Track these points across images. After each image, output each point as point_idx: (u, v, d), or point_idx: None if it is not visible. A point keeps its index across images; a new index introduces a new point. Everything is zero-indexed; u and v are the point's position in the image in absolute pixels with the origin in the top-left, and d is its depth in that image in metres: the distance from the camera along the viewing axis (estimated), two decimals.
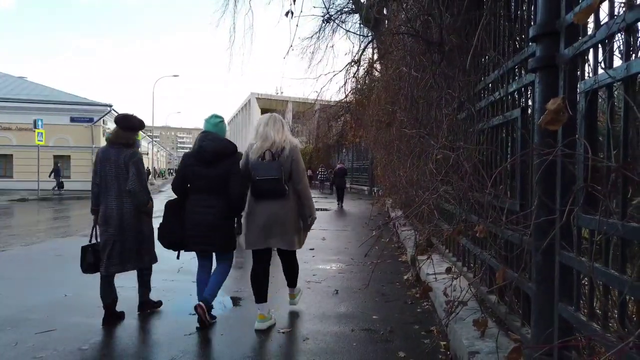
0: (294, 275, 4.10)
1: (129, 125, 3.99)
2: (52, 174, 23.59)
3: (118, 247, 3.83)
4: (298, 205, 3.74)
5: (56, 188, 23.62)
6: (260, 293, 3.72)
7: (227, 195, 3.64)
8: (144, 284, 4.12)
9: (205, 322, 3.59)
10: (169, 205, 3.86)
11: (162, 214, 3.86)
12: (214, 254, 3.94)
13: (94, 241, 3.97)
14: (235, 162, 3.72)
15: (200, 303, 3.58)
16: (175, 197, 3.87)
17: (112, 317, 3.79)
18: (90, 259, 3.94)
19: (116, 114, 3.98)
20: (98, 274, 3.88)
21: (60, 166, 24.16)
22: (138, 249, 3.94)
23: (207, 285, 3.75)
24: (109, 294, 3.82)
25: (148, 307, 4.11)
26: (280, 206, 3.62)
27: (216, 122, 3.91)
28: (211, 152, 3.65)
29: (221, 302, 4.37)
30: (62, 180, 24.02)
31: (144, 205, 3.94)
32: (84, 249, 3.99)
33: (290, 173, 3.64)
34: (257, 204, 3.65)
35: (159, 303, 4.24)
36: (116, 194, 3.85)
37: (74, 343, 3.30)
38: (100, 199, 3.89)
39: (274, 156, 3.60)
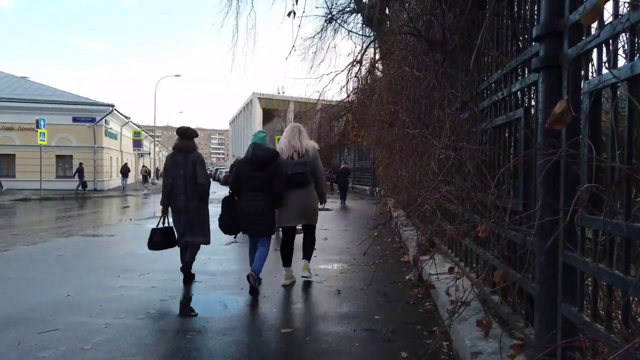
0: (312, 247, 5.19)
1: (190, 135, 5.27)
2: (76, 174, 24.19)
3: (189, 229, 5.11)
4: (314, 191, 4.98)
5: (80, 187, 24.11)
6: (287, 259, 5.00)
7: (271, 191, 4.71)
8: (192, 256, 5.18)
9: (254, 288, 4.54)
10: (225, 200, 4.91)
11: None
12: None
13: (160, 226, 5.18)
14: (279, 166, 4.76)
15: (252, 273, 4.58)
16: (229, 193, 4.96)
17: (189, 276, 5.14)
18: (158, 239, 5.13)
19: (178, 127, 5.41)
20: (102, 274, 4.07)
21: (83, 166, 24.63)
22: (200, 227, 5.16)
23: (255, 258, 4.75)
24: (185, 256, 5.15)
25: (188, 277, 5.17)
26: (307, 193, 4.87)
27: (262, 136, 4.99)
28: (263, 158, 4.70)
29: (222, 302, 4.37)
30: (86, 180, 24.69)
31: (207, 193, 5.24)
32: (153, 230, 5.15)
33: (312, 169, 4.88)
34: (290, 192, 4.79)
35: (193, 276, 5.26)
36: (183, 191, 5.04)
37: (77, 343, 3.30)
38: (170, 195, 5.09)
39: (300, 156, 4.86)
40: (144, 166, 36.51)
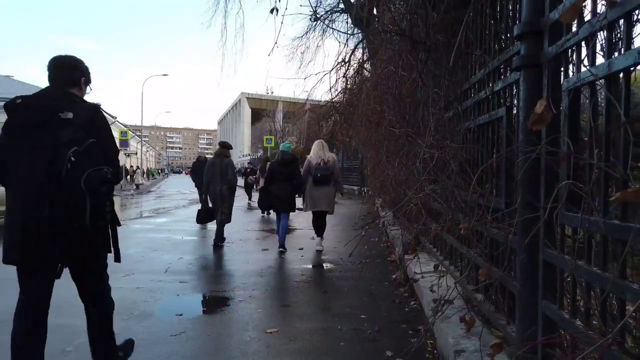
0: (323, 229, 7.27)
1: (227, 146, 7.90)
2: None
3: (220, 210, 7.44)
4: (334, 188, 7.19)
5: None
6: (319, 232, 7.23)
7: (292, 182, 7.04)
8: (220, 229, 7.44)
9: (283, 250, 6.91)
10: (262, 189, 7.81)
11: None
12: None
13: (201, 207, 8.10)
14: (297, 165, 7.31)
15: (281, 248, 6.93)
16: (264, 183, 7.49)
17: (222, 240, 7.47)
18: (202, 216, 7.83)
19: (220, 141, 8.44)
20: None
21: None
22: (224, 210, 7.46)
23: (280, 231, 7.04)
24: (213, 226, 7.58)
25: (221, 240, 7.41)
26: (327, 189, 7.03)
27: (288, 145, 7.57)
28: (288, 160, 7.15)
29: (207, 303, 4.34)
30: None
31: (234, 187, 7.57)
32: (199, 211, 7.97)
33: (332, 172, 7.03)
34: (315, 187, 6.97)
35: (224, 239, 7.52)
36: (219, 184, 7.38)
37: (58, 345, 3.24)
38: (209, 186, 7.53)
39: (325, 163, 7.02)
40: (131, 166, 36.20)
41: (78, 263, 2.59)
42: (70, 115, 2.38)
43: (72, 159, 2.26)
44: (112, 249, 2.58)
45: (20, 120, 2.40)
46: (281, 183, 7.02)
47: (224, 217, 7.43)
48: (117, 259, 2.58)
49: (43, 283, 2.52)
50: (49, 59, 2.62)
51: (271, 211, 8.37)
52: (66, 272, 2.60)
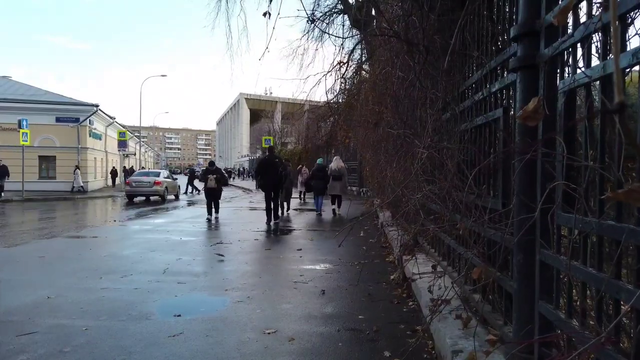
0: (340, 204, 13.55)
1: (287, 160, 16.63)
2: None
3: (284, 192, 12.85)
4: (344, 182, 13.75)
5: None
6: (336, 205, 13.58)
7: (324, 179, 13.46)
8: (284, 204, 13.85)
9: (319, 213, 13.71)
10: (306, 183, 15.10)
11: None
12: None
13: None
14: (326, 171, 13.52)
15: (320, 211, 13.68)
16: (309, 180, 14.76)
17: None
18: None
19: (285, 158, 16.53)
20: (84, 276, 3.97)
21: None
22: (286, 194, 13.53)
23: (318, 205, 13.79)
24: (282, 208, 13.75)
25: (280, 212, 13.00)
26: (340, 183, 13.36)
27: (322, 160, 14.40)
28: (322, 168, 13.72)
29: (205, 303, 4.35)
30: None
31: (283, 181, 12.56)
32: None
33: (343, 174, 13.41)
34: (333, 181, 13.28)
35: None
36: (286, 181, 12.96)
37: (56, 345, 3.25)
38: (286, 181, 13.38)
39: (339, 170, 13.32)
40: (131, 167, 36.14)
41: (275, 193, 11.47)
42: (277, 161, 11.70)
43: (281, 172, 11.74)
44: (280, 191, 11.95)
45: (265, 163, 11.54)
46: (318, 180, 13.33)
47: (287, 198, 13.54)
48: (281, 192, 12.30)
49: (271, 194, 11.27)
50: (268, 148, 14.29)
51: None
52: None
